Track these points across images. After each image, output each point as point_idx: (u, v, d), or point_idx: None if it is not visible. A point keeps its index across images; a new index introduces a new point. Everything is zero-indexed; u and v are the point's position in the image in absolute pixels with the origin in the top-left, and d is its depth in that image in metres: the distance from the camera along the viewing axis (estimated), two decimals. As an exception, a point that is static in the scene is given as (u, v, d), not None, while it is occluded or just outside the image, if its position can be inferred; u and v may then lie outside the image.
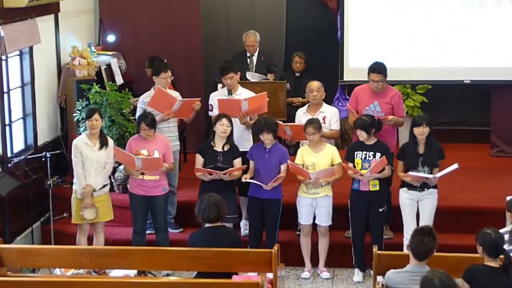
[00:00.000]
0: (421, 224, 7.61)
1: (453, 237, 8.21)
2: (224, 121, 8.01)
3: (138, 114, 8.52)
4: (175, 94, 8.59)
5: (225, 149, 8.05)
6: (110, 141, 8.21)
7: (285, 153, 8.10)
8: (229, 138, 8.09)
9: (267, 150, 8.05)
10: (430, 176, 7.69)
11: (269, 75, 10.12)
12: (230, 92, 8.55)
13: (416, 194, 7.85)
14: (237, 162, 8.07)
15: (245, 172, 8.10)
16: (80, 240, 8.17)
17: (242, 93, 8.54)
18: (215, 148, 8.05)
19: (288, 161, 8.02)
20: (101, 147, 8.03)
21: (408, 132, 8.04)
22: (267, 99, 8.48)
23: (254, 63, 10.30)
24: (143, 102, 8.53)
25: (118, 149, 8.15)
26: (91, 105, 9.11)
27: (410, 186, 7.85)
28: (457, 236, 8.27)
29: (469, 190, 9.31)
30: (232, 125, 8.08)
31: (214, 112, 8.49)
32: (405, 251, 6.37)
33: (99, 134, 8.06)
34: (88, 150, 7.98)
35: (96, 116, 7.98)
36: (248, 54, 10.31)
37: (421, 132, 7.74)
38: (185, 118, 8.67)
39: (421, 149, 7.80)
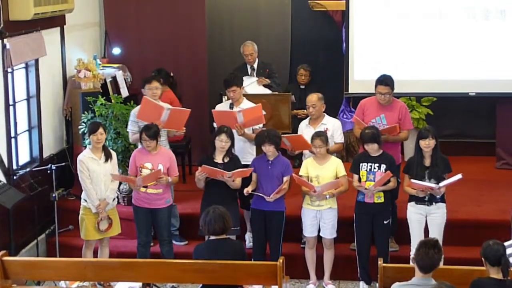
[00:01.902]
0: (430, 239, 7.58)
1: (459, 250, 8.20)
2: (223, 136, 7.99)
3: (129, 127, 8.51)
4: (165, 105, 8.49)
5: (225, 160, 8.05)
6: (113, 153, 8.22)
7: (288, 165, 8.09)
8: (229, 151, 8.09)
9: (270, 162, 8.04)
10: (434, 185, 7.65)
11: (261, 79, 10.03)
12: (231, 106, 8.54)
13: (424, 208, 7.80)
14: (243, 170, 8.05)
15: (246, 183, 8.10)
16: (86, 254, 8.16)
17: (246, 106, 8.53)
18: (216, 160, 8.05)
19: (293, 174, 8.01)
20: (106, 160, 8.04)
21: (413, 145, 8.03)
22: (264, 112, 8.44)
23: (255, 74, 10.30)
24: (134, 114, 8.44)
25: (116, 176, 8.12)
26: (97, 117, 9.13)
27: (418, 200, 7.80)
28: (462, 249, 8.25)
29: (474, 203, 9.29)
30: (231, 140, 8.05)
31: (218, 124, 8.49)
32: (411, 264, 6.34)
33: (103, 147, 8.07)
34: (94, 164, 7.98)
35: (101, 130, 7.97)
36: (249, 67, 10.32)
37: (427, 144, 7.72)
38: (178, 129, 8.50)
39: (427, 162, 7.78)
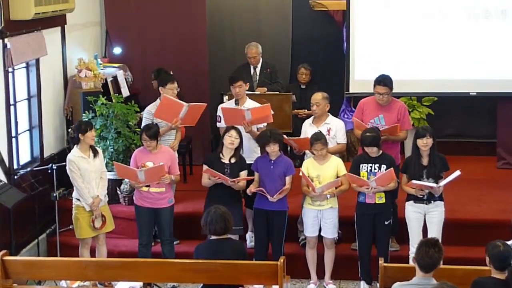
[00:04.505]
0: (429, 238, 7.57)
1: (459, 250, 8.20)
2: (233, 132, 8.00)
3: (143, 125, 8.52)
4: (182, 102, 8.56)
5: (232, 161, 8.04)
6: (99, 150, 8.26)
7: (290, 165, 8.08)
8: (237, 151, 8.08)
9: (272, 161, 8.04)
10: (434, 184, 7.64)
11: (258, 88, 10.09)
12: (237, 102, 8.54)
13: (422, 207, 7.81)
14: (243, 174, 8.07)
15: (249, 183, 8.09)
16: (83, 253, 8.17)
17: (250, 106, 8.53)
18: (223, 160, 8.04)
19: (301, 169, 8.00)
20: (94, 157, 8.07)
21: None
22: (272, 112, 8.47)
23: (258, 75, 10.31)
24: (150, 113, 8.49)
25: (119, 165, 8.16)
26: (97, 117, 9.14)
27: (417, 199, 7.81)
28: (462, 248, 8.26)
29: (475, 202, 9.28)
30: (241, 137, 8.06)
31: (222, 123, 8.48)
32: (411, 263, 6.35)
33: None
34: (84, 163, 7.99)
35: (93, 128, 8.06)
36: (252, 67, 10.33)
37: (425, 143, 7.72)
38: (192, 125, 8.60)
39: (424, 161, 7.78)
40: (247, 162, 8.22)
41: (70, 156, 8.05)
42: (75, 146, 8.12)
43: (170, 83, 8.57)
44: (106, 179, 8.24)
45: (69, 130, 9.45)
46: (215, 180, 7.96)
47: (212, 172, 7.93)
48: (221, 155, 8.07)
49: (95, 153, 8.10)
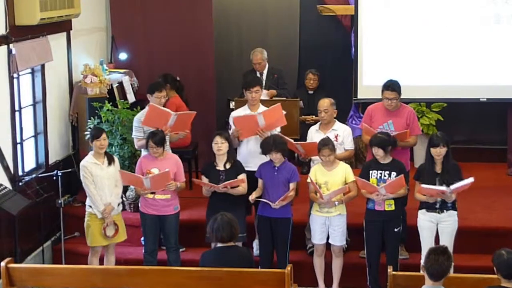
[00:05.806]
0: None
1: (470, 258, 8.15)
2: (218, 139, 7.93)
3: (134, 133, 8.42)
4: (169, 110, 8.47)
5: (227, 167, 7.97)
6: (115, 158, 8.21)
7: (294, 171, 8.01)
8: (230, 156, 8.01)
9: (276, 168, 7.96)
10: (444, 188, 7.52)
11: (270, 91, 10.01)
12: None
13: (435, 216, 7.70)
14: (241, 178, 7.97)
15: (252, 189, 8.00)
16: (92, 261, 8.14)
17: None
18: (217, 168, 7.98)
19: (309, 176, 7.92)
20: (109, 164, 8.01)
21: (423, 151, 7.94)
22: (284, 112, 8.36)
23: (264, 80, 10.24)
24: (139, 120, 8.38)
25: (124, 172, 8.11)
26: (103, 123, 9.11)
27: (429, 208, 7.70)
28: (473, 256, 8.21)
29: (486, 210, 9.20)
30: (228, 142, 7.96)
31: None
32: (421, 272, 6.27)
33: (104, 152, 8.04)
34: (98, 169, 7.95)
35: (104, 135, 7.99)
36: (258, 73, 10.27)
37: (439, 152, 7.62)
38: (182, 132, 8.48)
39: (438, 168, 7.68)
40: (255, 168, 8.12)
41: (83, 162, 8.05)
42: (90, 152, 8.10)
43: (157, 92, 8.43)
44: (121, 188, 8.18)
45: None
46: (209, 190, 7.91)
47: (201, 182, 7.94)
48: (215, 163, 8.01)
49: (110, 161, 8.04)
